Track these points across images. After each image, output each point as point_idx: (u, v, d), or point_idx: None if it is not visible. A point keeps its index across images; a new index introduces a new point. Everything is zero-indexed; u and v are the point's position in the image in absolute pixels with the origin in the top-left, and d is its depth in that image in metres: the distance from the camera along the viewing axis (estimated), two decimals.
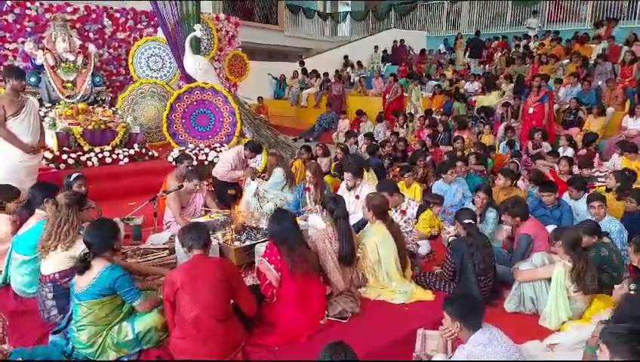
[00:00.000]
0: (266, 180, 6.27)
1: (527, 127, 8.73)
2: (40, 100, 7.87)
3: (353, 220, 4.42)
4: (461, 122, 9.25)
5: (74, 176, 4.59)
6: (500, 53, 14.29)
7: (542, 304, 3.63)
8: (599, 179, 6.48)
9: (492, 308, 3.77)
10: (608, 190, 5.57)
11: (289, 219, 3.56)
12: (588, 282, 3.46)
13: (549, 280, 3.58)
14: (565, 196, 5.46)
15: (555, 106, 9.61)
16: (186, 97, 8.14)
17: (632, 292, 2.78)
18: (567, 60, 11.72)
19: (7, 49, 8.53)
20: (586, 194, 5.24)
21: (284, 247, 3.39)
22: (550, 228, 4.36)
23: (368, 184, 5.51)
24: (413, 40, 18.79)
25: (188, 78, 8.51)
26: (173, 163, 6.86)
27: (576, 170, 6.62)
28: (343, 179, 5.78)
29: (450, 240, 4.25)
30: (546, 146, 8.01)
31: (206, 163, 7.67)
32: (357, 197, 5.29)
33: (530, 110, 8.70)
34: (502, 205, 4.63)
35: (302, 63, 16.71)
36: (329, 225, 3.85)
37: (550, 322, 3.51)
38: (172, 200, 5.05)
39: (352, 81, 15.67)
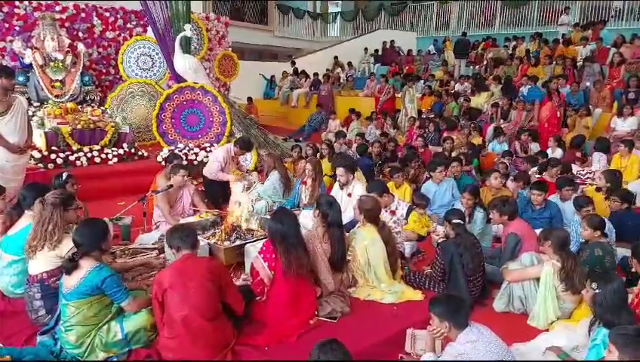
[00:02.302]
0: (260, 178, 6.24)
1: (542, 130, 8.72)
2: (28, 99, 7.77)
3: (344, 219, 4.42)
4: (450, 123, 9.32)
5: (65, 175, 4.55)
6: (489, 55, 14.40)
7: (531, 303, 3.66)
8: (588, 180, 6.56)
9: (481, 308, 3.81)
10: (598, 189, 5.63)
11: (291, 220, 3.51)
12: (576, 282, 3.49)
13: (538, 279, 3.61)
14: (553, 198, 5.50)
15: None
16: (176, 97, 8.10)
17: (596, 291, 2.83)
18: (557, 62, 11.84)
19: None
20: (574, 195, 5.30)
21: (282, 248, 3.37)
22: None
23: (360, 183, 5.52)
24: (403, 40, 18.87)
25: (178, 78, 8.48)
26: (163, 163, 6.83)
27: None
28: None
29: (439, 241, 4.28)
30: (535, 146, 8.08)
31: (196, 162, 7.65)
32: (349, 195, 5.31)
33: (558, 113, 8.79)
34: (491, 203, 4.67)
35: (293, 63, 16.73)
36: (319, 227, 3.85)
37: (539, 321, 3.55)
38: (160, 200, 5.03)
39: (341, 81, 15.71)
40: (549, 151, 7.72)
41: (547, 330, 3.47)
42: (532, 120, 9.27)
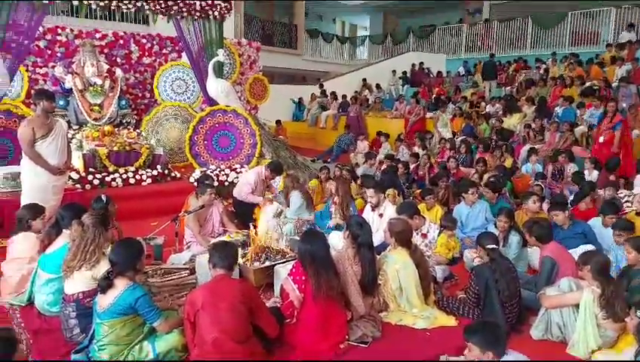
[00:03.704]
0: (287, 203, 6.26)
1: (596, 154, 8.12)
2: (68, 123, 8.03)
3: (376, 240, 4.38)
4: (485, 144, 9.23)
5: (105, 198, 4.63)
6: (522, 76, 14.24)
7: (570, 331, 3.51)
8: (626, 204, 6.33)
9: (518, 335, 3.68)
10: (638, 214, 5.44)
11: (321, 241, 3.50)
12: (618, 309, 3.34)
13: (577, 306, 3.48)
14: (595, 221, 5.33)
15: (581, 128, 9.47)
16: (209, 119, 8.27)
17: None
18: (590, 83, 11.61)
19: (39, 73, 8.81)
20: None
21: (312, 269, 3.35)
22: (581, 248, 4.32)
23: (392, 204, 5.49)
24: (433, 62, 18.87)
25: (210, 101, 8.66)
26: (195, 183, 6.93)
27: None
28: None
29: (474, 264, 4.18)
30: (573, 167, 7.88)
31: (226, 183, 7.74)
32: (380, 215, 5.28)
33: (601, 138, 8.17)
34: (524, 224, 4.55)
35: (321, 86, 16.93)
36: (350, 248, 3.82)
37: (579, 350, 3.39)
38: (191, 220, 5.10)
39: (369, 103, 15.79)
40: (585, 173, 7.53)
41: (589, 360, 3.33)
42: (567, 140, 9.06)
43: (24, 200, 4.91)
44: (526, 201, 5.76)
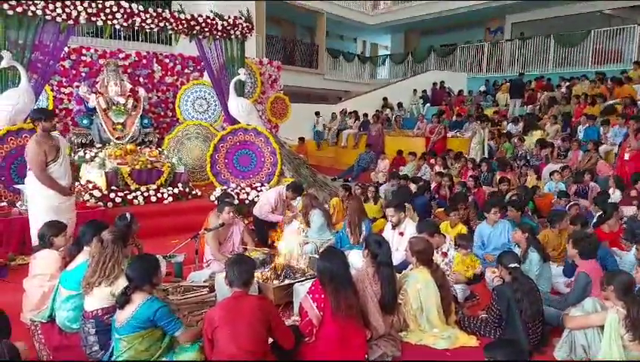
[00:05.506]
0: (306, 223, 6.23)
1: (620, 173, 7.99)
2: (91, 141, 8.24)
3: (396, 259, 4.33)
4: (505, 163, 9.11)
5: (129, 216, 4.66)
6: (544, 94, 14.10)
7: (594, 352, 3.41)
8: None
9: (541, 356, 3.59)
10: None
11: (340, 259, 3.49)
12: None
13: (602, 327, 3.37)
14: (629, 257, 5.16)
15: (605, 147, 9.32)
16: (230, 138, 8.35)
17: None
18: (614, 101, 11.44)
19: (63, 93, 9.05)
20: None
21: (331, 288, 3.32)
22: None
23: (412, 222, 5.43)
24: (454, 81, 18.82)
25: (231, 120, 8.75)
26: (215, 201, 6.97)
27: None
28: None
29: (495, 284, 4.09)
30: (594, 186, 7.73)
31: (247, 202, 7.76)
32: (401, 234, 5.23)
33: (626, 156, 7.96)
34: (571, 235, 4.47)
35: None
36: (369, 267, 3.78)
37: None
38: (210, 238, 5.12)
39: (390, 122, 15.79)
40: (610, 191, 7.37)
41: None
42: (591, 159, 8.90)
43: (33, 224, 4.85)
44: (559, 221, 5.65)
